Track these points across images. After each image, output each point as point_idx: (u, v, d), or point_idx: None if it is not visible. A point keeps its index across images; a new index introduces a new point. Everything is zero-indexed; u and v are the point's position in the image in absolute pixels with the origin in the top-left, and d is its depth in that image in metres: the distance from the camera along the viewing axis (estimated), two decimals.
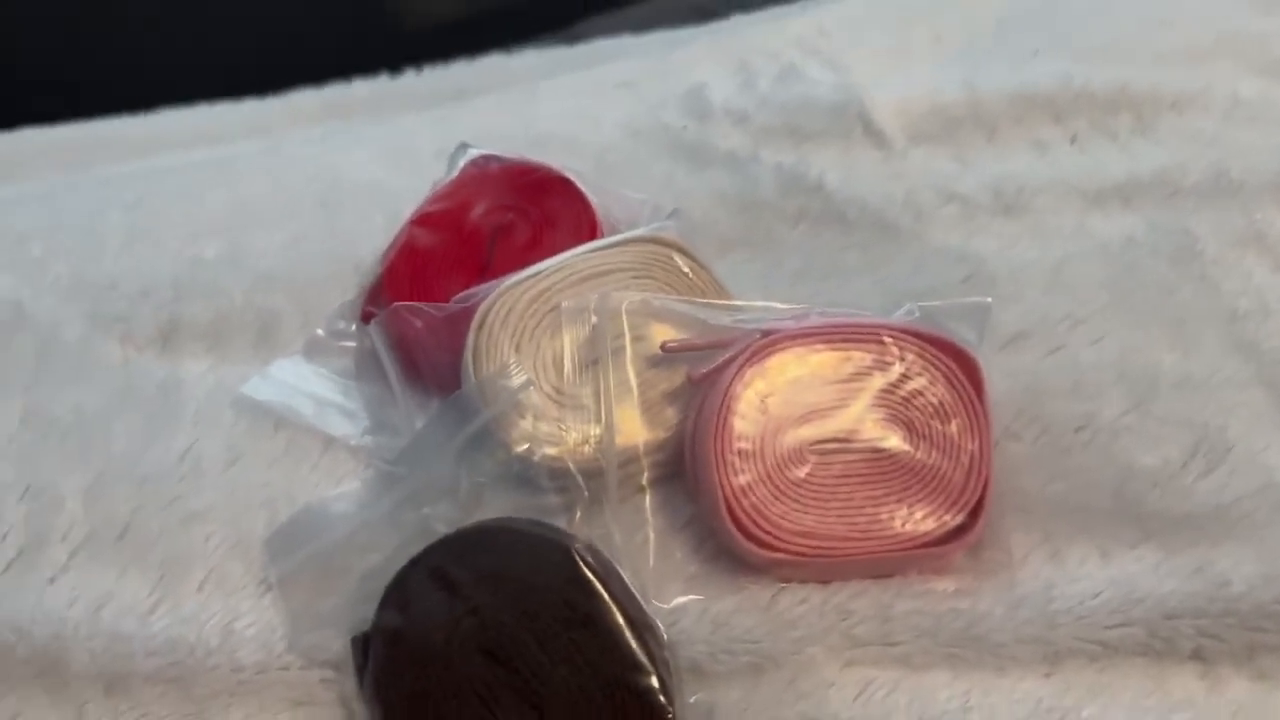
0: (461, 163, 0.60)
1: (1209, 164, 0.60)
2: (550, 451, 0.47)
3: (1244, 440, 0.49)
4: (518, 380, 0.47)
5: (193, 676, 0.44)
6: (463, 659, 0.42)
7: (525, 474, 0.47)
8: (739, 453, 0.46)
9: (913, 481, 0.46)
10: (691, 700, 0.43)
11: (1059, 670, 0.45)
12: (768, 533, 0.45)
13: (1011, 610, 0.45)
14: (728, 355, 0.48)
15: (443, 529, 0.45)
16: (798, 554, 0.45)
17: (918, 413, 0.47)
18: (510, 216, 0.57)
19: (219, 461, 0.50)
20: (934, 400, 0.47)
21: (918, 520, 0.46)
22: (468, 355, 0.49)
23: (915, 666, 0.45)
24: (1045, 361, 0.52)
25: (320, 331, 0.55)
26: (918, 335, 0.48)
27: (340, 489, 0.48)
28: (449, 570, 0.43)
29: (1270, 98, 0.64)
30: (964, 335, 0.49)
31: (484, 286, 0.51)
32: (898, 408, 0.47)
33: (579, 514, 0.46)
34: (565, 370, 0.49)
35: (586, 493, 0.47)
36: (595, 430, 0.48)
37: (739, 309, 0.50)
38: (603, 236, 0.55)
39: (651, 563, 0.46)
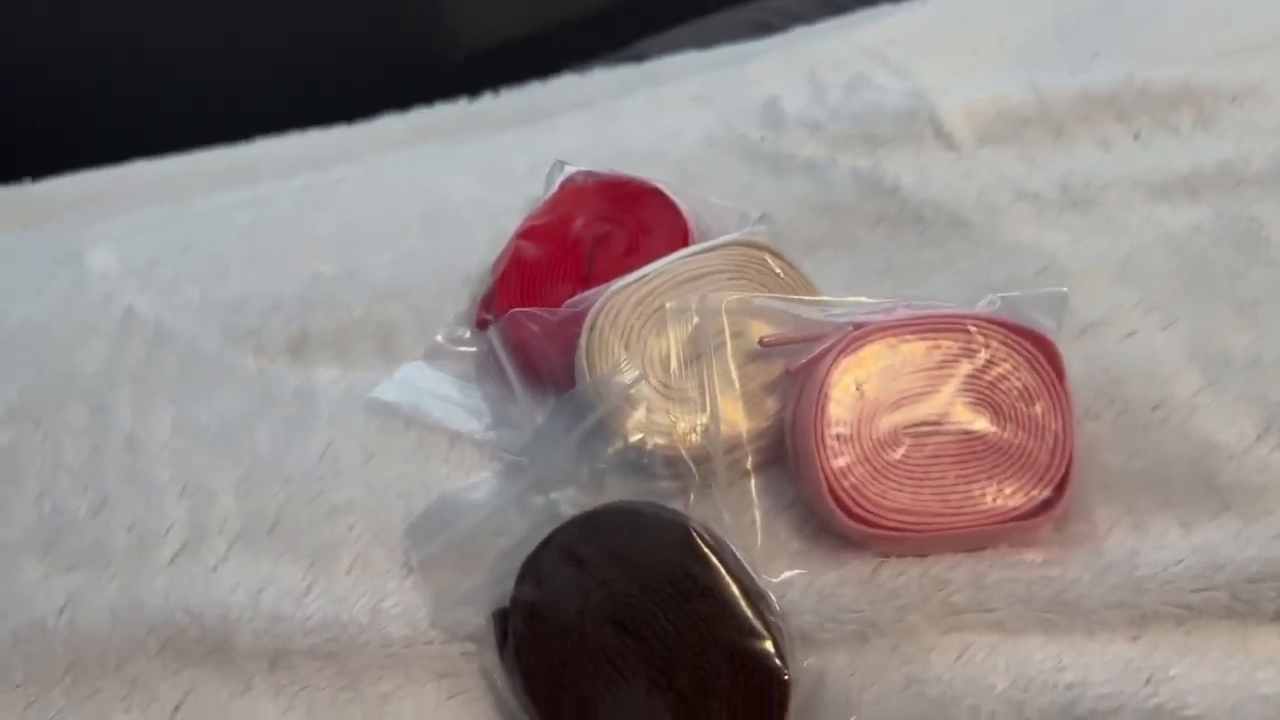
0: (558, 179, 0.65)
1: (1271, 153, 0.62)
2: (661, 440, 0.51)
3: None
4: (629, 376, 0.51)
5: (346, 652, 0.49)
6: (594, 629, 0.46)
7: (640, 462, 0.51)
8: (837, 437, 0.50)
9: (1001, 460, 0.50)
10: (805, 664, 0.47)
11: (1146, 632, 0.48)
12: (867, 510, 0.49)
13: (1099, 577, 0.48)
14: (822, 347, 0.52)
15: (569, 512, 0.49)
16: (895, 529, 0.49)
17: (1003, 396, 0.51)
18: (608, 227, 0.61)
19: (356, 459, 0.55)
20: (1018, 384, 0.51)
21: (1007, 496, 0.49)
22: (581, 355, 0.53)
23: (1010, 631, 0.48)
24: (1121, 346, 0.55)
25: (439, 338, 0.59)
26: (1000, 324, 0.52)
27: (471, 480, 0.52)
28: (578, 549, 0.47)
29: None
30: (1043, 323, 0.52)
31: (592, 292, 0.55)
32: (985, 392, 0.51)
33: (691, 497, 0.50)
34: (671, 366, 0.53)
35: (697, 477, 0.50)
36: (702, 420, 0.52)
37: (830, 304, 0.54)
38: (694, 242, 0.59)
39: (759, 541, 0.50)
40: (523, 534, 0.49)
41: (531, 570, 0.47)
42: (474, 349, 0.58)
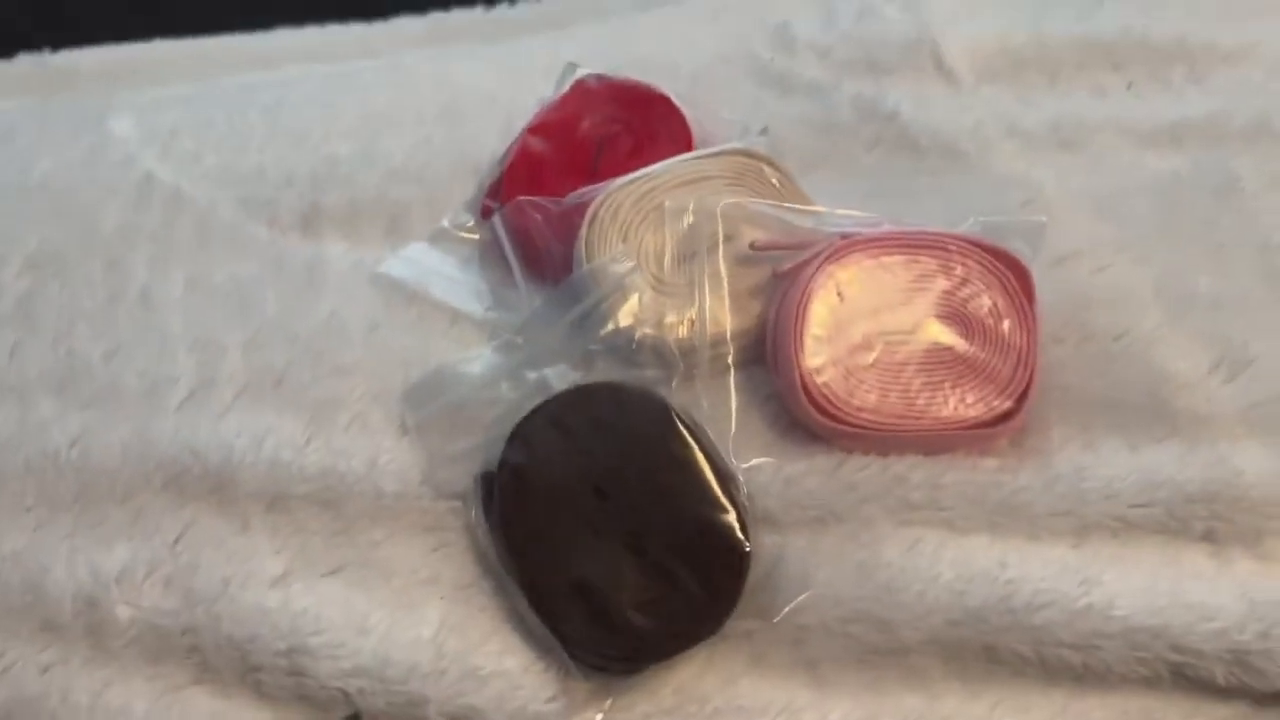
0: (570, 80, 0.67)
1: (1255, 111, 0.65)
2: (650, 331, 0.54)
3: (1266, 355, 0.55)
4: (624, 267, 0.54)
5: (341, 500, 0.52)
6: (576, 492, 0.49)
7: (628, 348, 0.54)
8: (815, 338, 0.53)
9: (966, 371, 0.53)
10: (766, 541, 0.50)
11: (1086, 541, 0.51)
12: (837, 408, 0.52)
13: (1047, 486, 0.52)
14: (809, 254, 0.54)
15: (560, 386, 0.52)
16: (861, 428, 0.52)
17: (973, 312, 0.54)
18: (615, 128, 0.64)
19: (361, 327, 0.58)
20: (989, 302, 0.54)
21: (968, 405, 0.52)
22: (580, 244, 0.56)
23: (959, 530, 0.51)
24: (1093, 278, 0.58)
25: (445, 223, 0.62)
26: (979, 245, 0.55)
27: (468, 353, 0.55)
28: (565, 418, 0.51)
29: None
30: (1020, 249, 0.55)
31: (594, 187, 0.58)
32: (956, 307, 0.54)
33: (674, 384, 0.53)
34: (665, 262, 0.56)
35: (681, 367, 0.54)
36: (690, 314, 0.54)
37: (821, 215, 0.56)
38: (697, 149, 0.61)
39: (733, 429, 0.53)
40: (514, 403, 0.52)
41: (520, 434, 0.51)
42: (477, 236, 0.61)
